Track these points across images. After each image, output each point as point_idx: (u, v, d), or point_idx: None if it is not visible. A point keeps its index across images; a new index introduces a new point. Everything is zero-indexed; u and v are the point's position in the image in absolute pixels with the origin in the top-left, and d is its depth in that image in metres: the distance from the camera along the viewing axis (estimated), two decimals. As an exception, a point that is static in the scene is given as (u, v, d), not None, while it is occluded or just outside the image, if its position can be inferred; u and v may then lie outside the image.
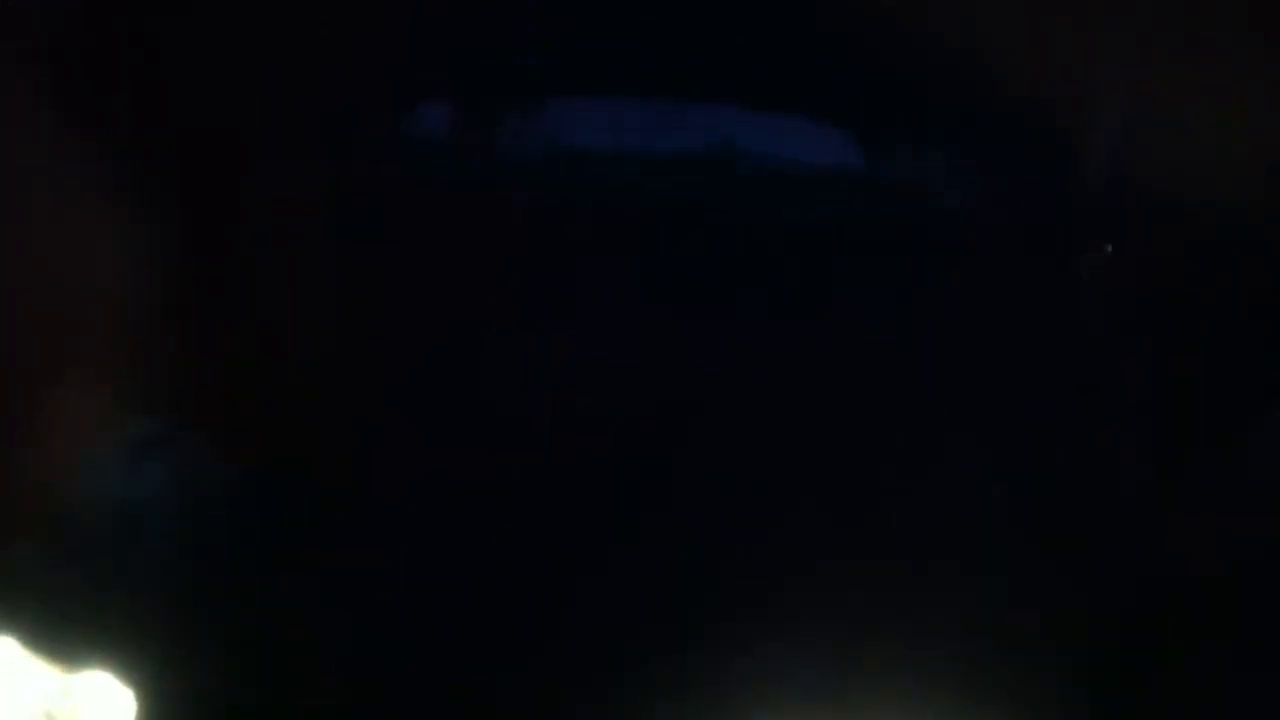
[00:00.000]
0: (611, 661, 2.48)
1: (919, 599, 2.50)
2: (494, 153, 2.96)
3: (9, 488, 2.59)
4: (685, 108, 2.99)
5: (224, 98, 2.84)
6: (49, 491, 2.61)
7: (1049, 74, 2.83)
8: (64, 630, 2.53)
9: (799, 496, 2.63)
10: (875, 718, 2.45)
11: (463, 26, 2.95)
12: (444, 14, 2.92)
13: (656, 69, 2.98)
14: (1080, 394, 2.75)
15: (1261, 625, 2.64)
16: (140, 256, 2.71)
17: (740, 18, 2.91)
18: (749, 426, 2.68)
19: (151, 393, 2.67)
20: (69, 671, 2.54)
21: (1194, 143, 2.89)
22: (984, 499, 2.61)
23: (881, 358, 2.79)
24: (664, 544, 2.55)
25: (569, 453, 2.65)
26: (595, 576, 2.54)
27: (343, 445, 2.60)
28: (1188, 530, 2.65)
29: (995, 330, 2.80)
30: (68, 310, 2.71)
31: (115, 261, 2.70)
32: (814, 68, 2.92)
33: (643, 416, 2.67)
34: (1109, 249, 2.84)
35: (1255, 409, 2.83)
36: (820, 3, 2.92)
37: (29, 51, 2.77)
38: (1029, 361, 2.78)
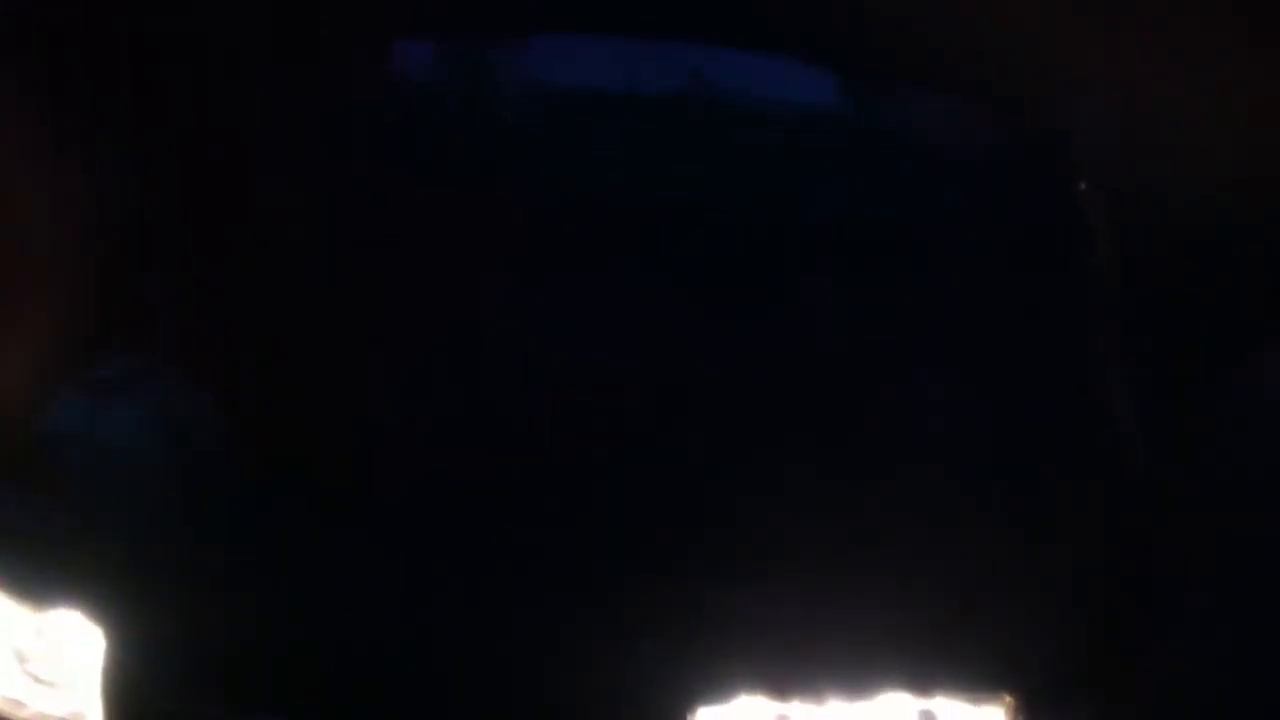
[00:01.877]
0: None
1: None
2: (473, 92, 2.90)
3: None
4: (666, 46, 2.93)
5: (208, 37, 2.76)
6: (19, 431, 2.58)
7: (1040, 62, 2.80)
8: (34, 570, 2.52)
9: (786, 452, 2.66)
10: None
11: None
12: None
13: (639, 8, 2.91)
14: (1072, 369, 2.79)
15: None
16: (115, 197, 2.65)
17: None
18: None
19: (124, 334, 2.63)
20: (39, 611, 2.53)
21: (1187, 136, 2.86)
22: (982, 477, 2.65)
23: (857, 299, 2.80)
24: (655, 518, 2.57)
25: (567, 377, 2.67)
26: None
27: (318, 394, 2.58)
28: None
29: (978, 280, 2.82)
30: (41, 253, 2.65)
31: (90, 205, 2.64)
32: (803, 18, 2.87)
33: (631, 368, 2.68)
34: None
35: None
36: None
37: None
38: (1020, 321, 2.80)
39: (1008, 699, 2.52)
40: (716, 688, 2.49)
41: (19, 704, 2.56)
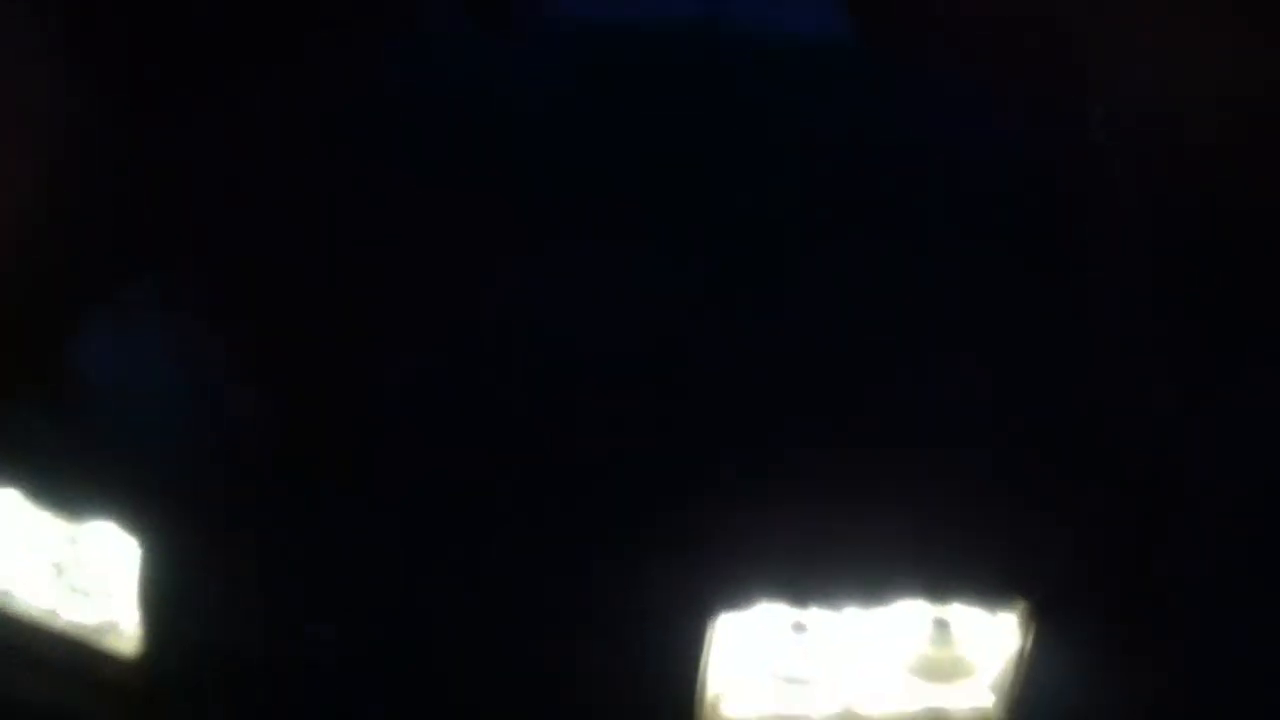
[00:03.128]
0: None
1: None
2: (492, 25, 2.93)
3: (10, 347, 2.62)
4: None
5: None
6: (50, 351, 2.63)
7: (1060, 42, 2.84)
8: (69, 483, 2.57)
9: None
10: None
11: None
12: None
13: None
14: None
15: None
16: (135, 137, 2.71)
17: None
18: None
19: (150, 259, 2.69)
20: (75, 522, 2.59)
21: (1210, 118, 2.89)
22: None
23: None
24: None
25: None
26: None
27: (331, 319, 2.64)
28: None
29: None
30: (69, 182, 2.70)
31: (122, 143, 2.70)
32: None
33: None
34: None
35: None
36: None
37: None
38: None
39: (1021, 605, 2.58)
40: (737, 596, 2.55)
41: (55, 613, 2.63)
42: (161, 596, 2.58)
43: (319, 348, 2.67)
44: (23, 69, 2.92)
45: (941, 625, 2.59)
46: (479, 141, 2.96)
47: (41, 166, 2.83)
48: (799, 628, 2.57)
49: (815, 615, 2.57)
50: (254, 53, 3.02)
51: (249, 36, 3.03)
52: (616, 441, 2.62)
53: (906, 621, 2.59)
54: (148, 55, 2.95)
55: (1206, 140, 3.12)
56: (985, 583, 2.60)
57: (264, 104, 2.98)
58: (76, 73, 2.90)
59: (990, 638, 2.60)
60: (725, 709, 2.59)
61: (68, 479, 2.59)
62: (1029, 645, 2.58)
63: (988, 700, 2.61)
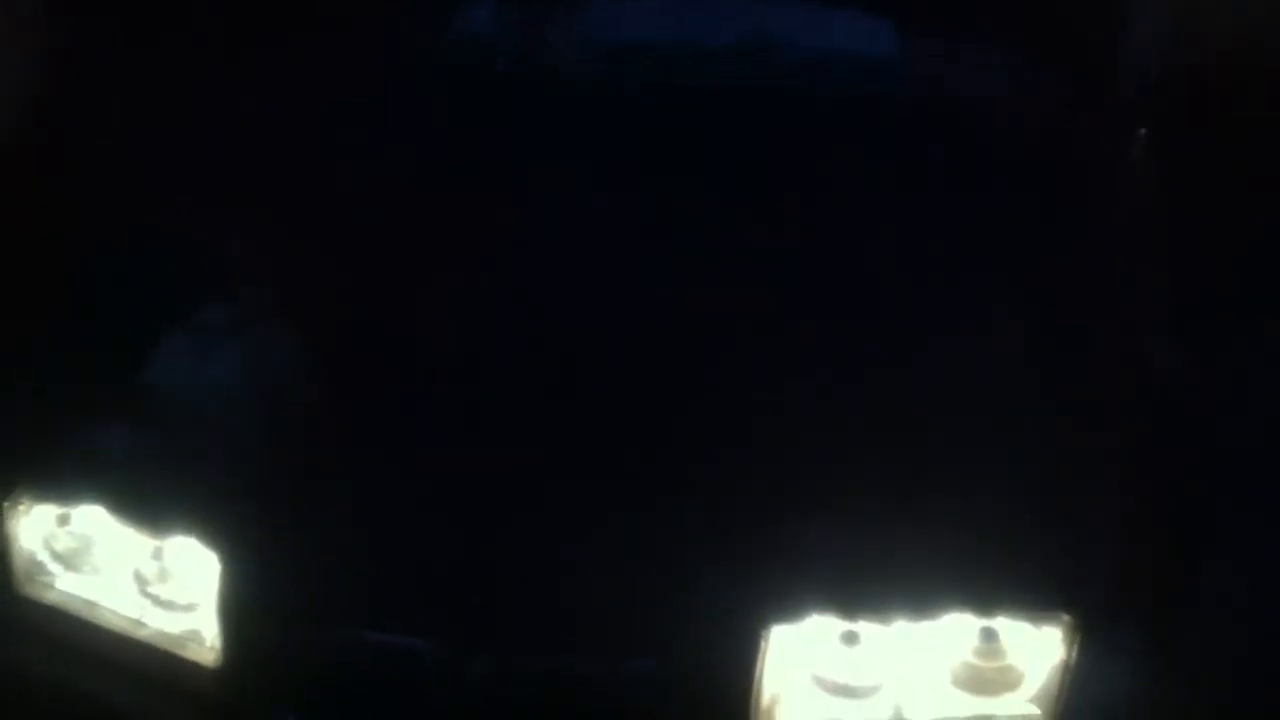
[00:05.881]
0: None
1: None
2: (537, 43, 3.02)
3: (90, 366, 2.74)
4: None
5: None
6: (132, 373, 2.75)
7: None
8: (152, 499, 2.68)
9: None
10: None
11: None
12: None
13: None
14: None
15: None
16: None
17: None
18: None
19: (228, 278, 2.80)
20: (157, 537, 2.70)
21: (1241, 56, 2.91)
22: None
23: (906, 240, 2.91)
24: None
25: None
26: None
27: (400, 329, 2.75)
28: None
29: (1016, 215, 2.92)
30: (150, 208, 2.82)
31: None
32: None
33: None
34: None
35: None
36: None
37: None
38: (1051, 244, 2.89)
39: (1066, 619, 2.64)
40: (789, 608, 2.63)
41: (139, 624, 2.75)
42: (241, 608, 2.69)
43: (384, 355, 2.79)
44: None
45: (989, 637, 2.67)
46: None
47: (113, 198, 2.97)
48: (850, 639, 2.66)
49: (865, 628, 2.65)
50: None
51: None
52: (670, 457, 2.71)
53: (954, 633, 2.67)
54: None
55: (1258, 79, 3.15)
56: (1031, 595, 2.66)
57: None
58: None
59: (1036, 649, 2.67)
60: (778, 718, 2.67)
61: (149, 495, 2.71)
62: (1074, 656, 2.64)
63: (1033, 711, 2.68)
